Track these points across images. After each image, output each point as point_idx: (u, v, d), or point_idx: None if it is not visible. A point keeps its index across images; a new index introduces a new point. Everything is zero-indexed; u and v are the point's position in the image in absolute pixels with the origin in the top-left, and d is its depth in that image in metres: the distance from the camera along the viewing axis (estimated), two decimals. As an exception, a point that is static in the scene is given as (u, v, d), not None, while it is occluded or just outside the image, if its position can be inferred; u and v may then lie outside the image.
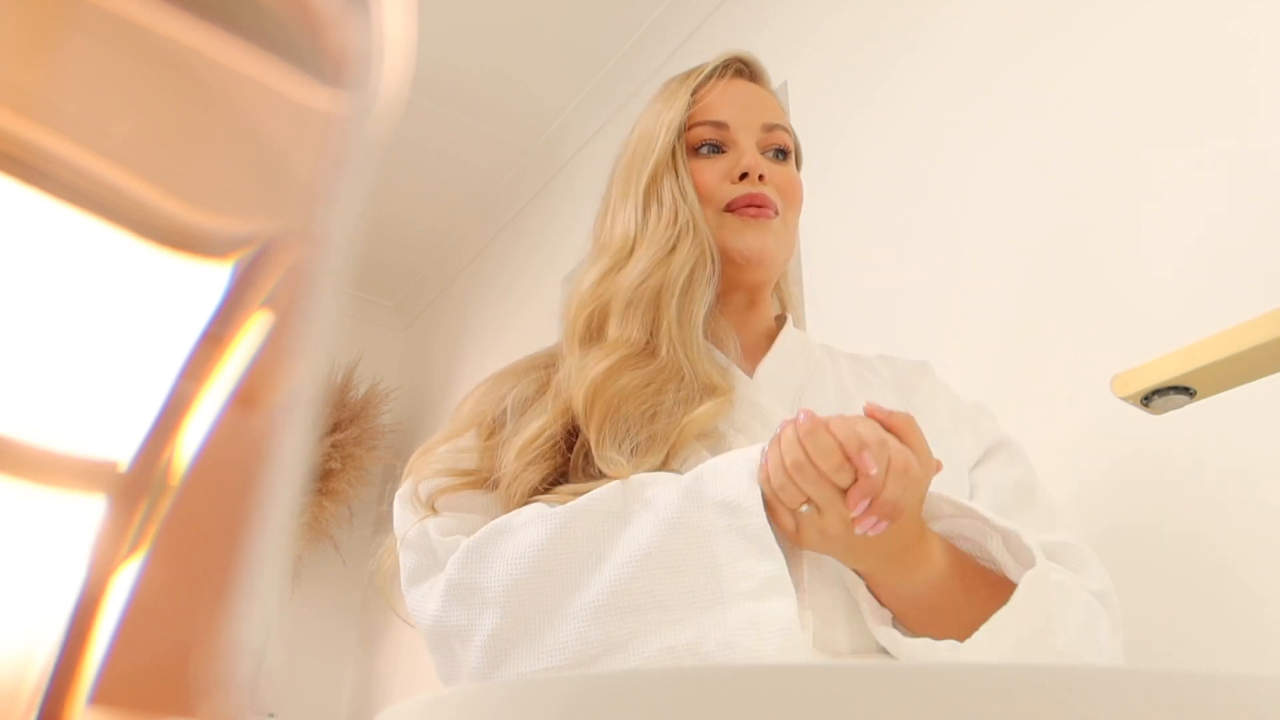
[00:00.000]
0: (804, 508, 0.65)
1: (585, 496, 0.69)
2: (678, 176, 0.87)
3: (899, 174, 1.54)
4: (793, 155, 0.94)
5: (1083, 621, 0.69)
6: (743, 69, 0.95)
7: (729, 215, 0.87)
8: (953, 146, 1.45)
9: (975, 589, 0.67)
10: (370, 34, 0.19)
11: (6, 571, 0.14)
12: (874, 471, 0.62)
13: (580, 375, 0.77)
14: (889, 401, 0.84)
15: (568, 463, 0.76)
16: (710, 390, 0.78)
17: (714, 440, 0.77)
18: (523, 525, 0.69)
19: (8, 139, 0.14)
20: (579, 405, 0.75)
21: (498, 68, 2.53)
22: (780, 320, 0.94)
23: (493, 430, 0.80)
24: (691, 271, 0.82)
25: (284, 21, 0.17)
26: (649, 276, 0.82)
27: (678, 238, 0.84)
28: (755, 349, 0.90)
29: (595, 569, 0.65)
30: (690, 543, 0.64)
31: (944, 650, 0.64)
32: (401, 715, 0.33)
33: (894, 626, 0.68)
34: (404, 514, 0.77)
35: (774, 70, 1.90)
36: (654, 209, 0.86)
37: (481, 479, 0.77)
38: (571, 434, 0.77)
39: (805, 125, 1.80)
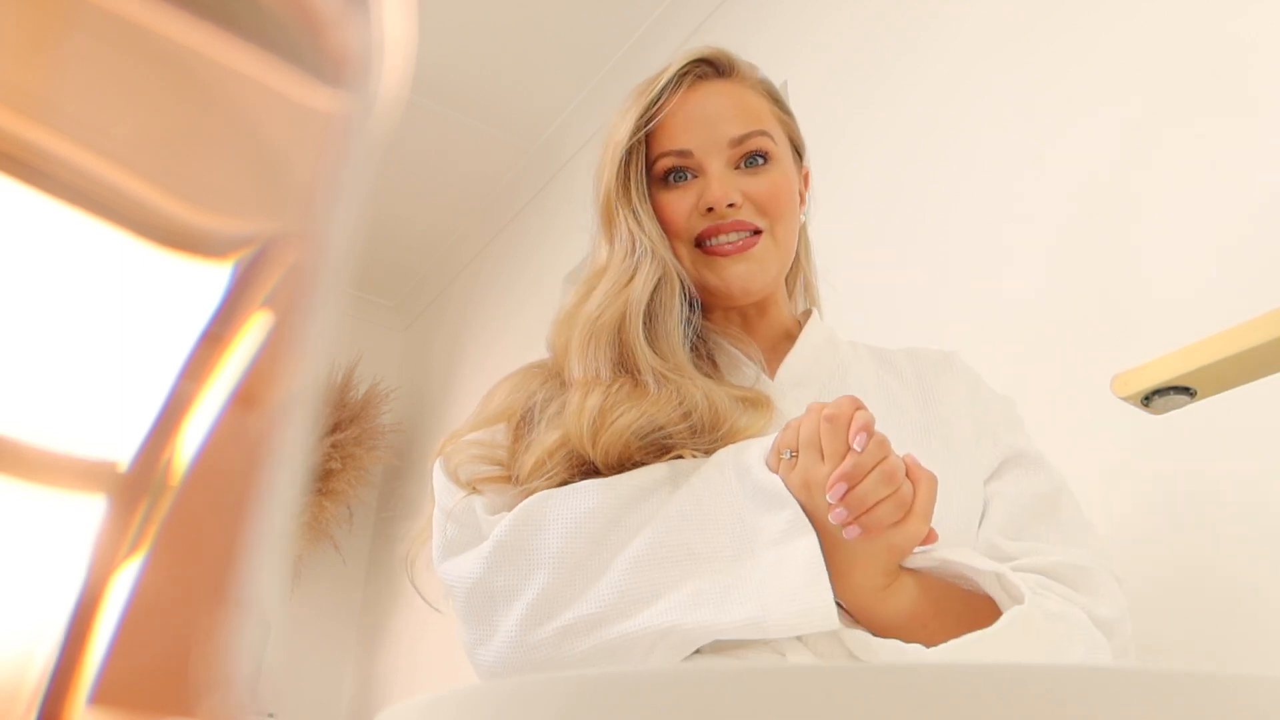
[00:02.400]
0: (786, 453, 0.68)
1: (631, 473, 0.72)
2: (630, 204, 0.84)
3: (899, 174, 1.54)
4: (777, 156, 0.87)
5: (1083, 655, 0.68)
6: (707, 70, 0.88)
7: (702, 255, 0.83)
8: (953, 146, 1.45)
9: (958, 624, 0.66)
10: (370, 34, 0.19)
11: (6, 571, 0.14)
12: (857, 446, 0.64)
13: (568, 416, 0.76)
14: (908, 413, 0.82)
15: (586, 472, 0.75)
16: (752, 403, 0.77)
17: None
18: (573, 493, 0.71)
19: (8, 139, 0.14)
20: (582, 446, 0.74)
21: (498, 68, 2.53)
22: (806, 315, 0.91)
23: (519, 428, 0.80)
24: (653, 296, 0.80)
25: (284, 21, 0.17)
26: (606, 309, 0.80)
27: (635, 268, 0.81)
28: (776, 351, 0.87)
29: (638, 531, 0.68)
30: (720, 507, 0.68)
31: (909, 654, 0.64)
32: (401, 715, 0.33)
33: (862, 629, 0.68)
34: (448, 487, 0.77)
35: (772, 71, 1.90)
36: (615, 240, 0.84)
37: (514, 476, 0.77)
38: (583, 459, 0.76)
39: (805, 125, 1.80)
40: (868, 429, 0.65)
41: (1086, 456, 1.09)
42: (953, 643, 0.63)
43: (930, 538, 0.67)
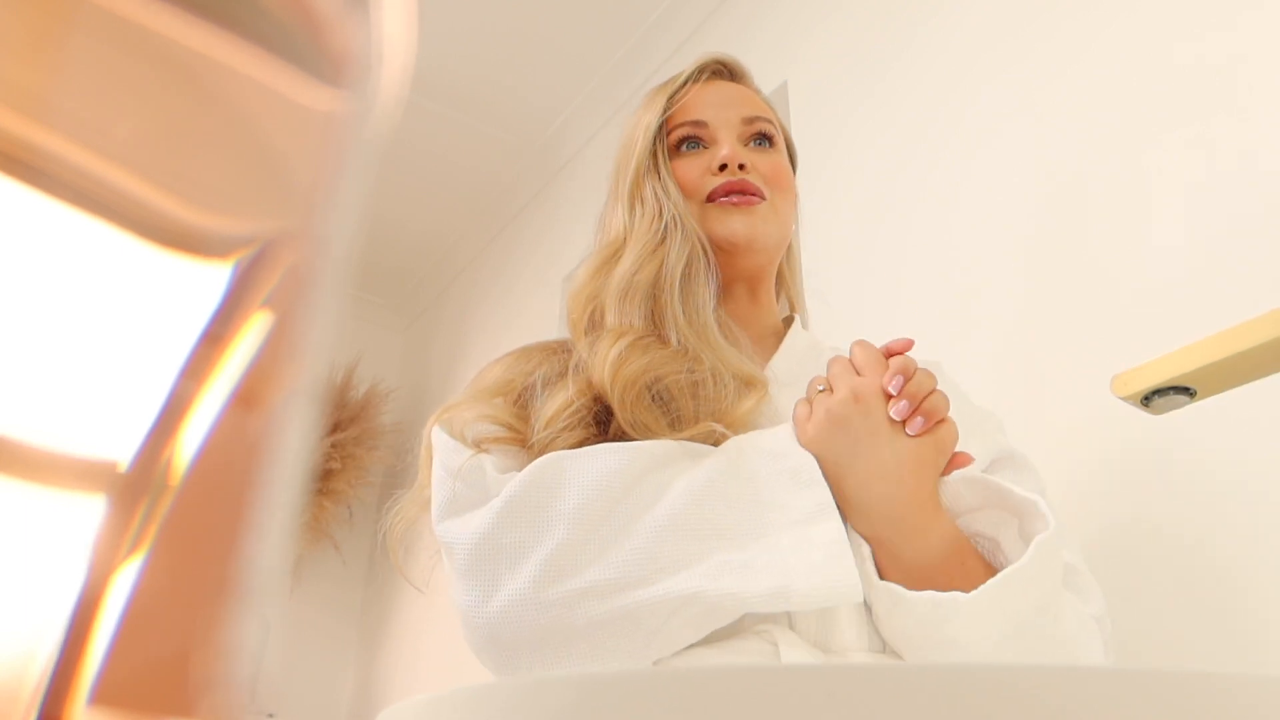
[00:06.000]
0: (819, 388, 0.72)
1: (649, 442, 0.72)
2: (659, 176, 0.89)
3: (896, 173, 1.54)
4: (778, 145, 0.94)
5: (1075, 626, 0.69)
6: (720, 70, 0.97)
7: (711, 205, 0.88)
8: (950, 145, 1.45)
9: (979, 577, 0.66)
10: (370, 34, 0.19)
11: (6, 571, 0.14)
12: (901, 346, 0.71)
13: (595, 358, 0.78)
14: None
15: (600, 433, 0.75)
16: (748, 382, 0.78)
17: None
18: (590, 454, 0.71)
19: (8, 139, 0.14)
20: (603, 386, 0.75)
21: (498, 68, 2.53)
22: (788, 321, 0.94)
23: (519, 402, 0.80)
24: (687, 264, 0.84)
25: (284, 21, 0.17)
26: (640, 268, 0.84)
27: (665, 230, 0.85)
28: (762, 346, 0.90)
29: (658, 499, 0.68)
30: (742, 485, 0.69)
31: (947, 603, 0.64)
32: (401, 715, 0.33)
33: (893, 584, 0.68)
34: (453, 447, 0.76)
35: (772, 71, 1.91)
36: (638, 209, 0.88)
37: (521, 438, 0.77)
38: (601, 410, 0.77)
39: (803, 125, 1.80)
40: (903, 339, 0.72)
41: (1086, 457, 1.09)
42: (991, 583, 0.64)
43: (963, 459, 0.72)
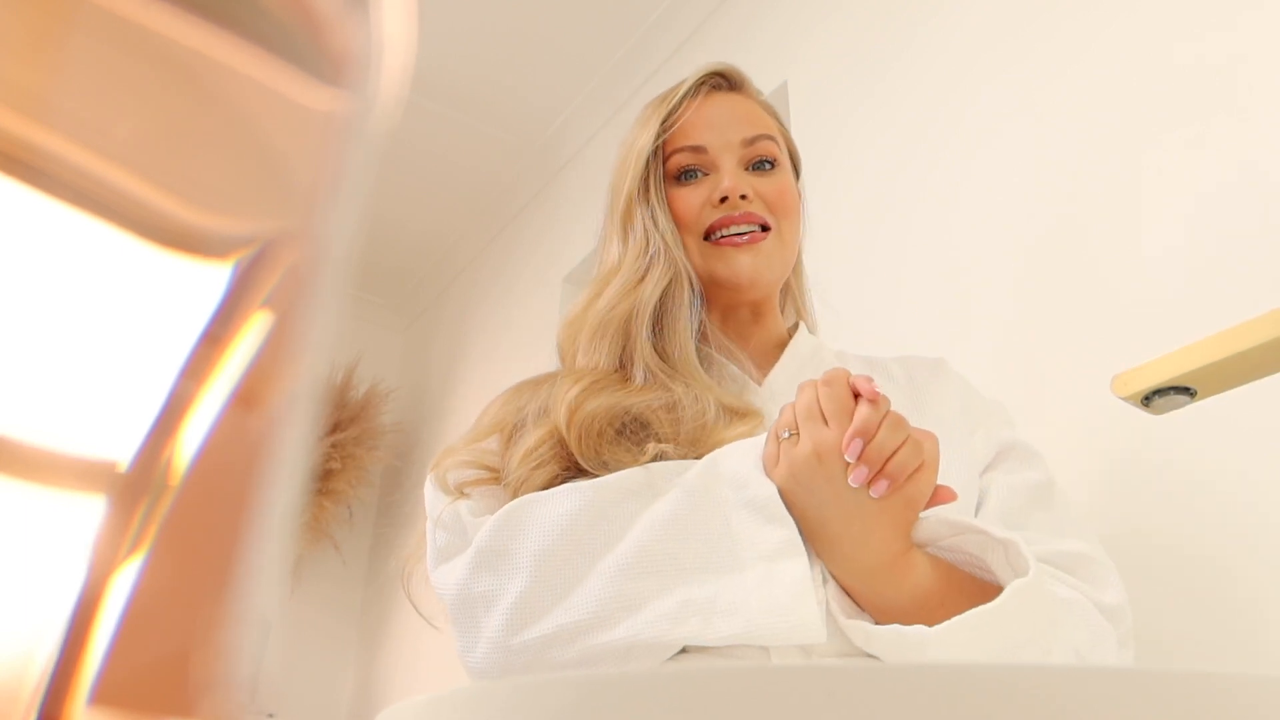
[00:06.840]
0: (784, 434, 0.67)
1: (612, 475, 0.71)
2: (649, 205, 0.87)
3: (896, 173, 1.54)
4: (783, 164, 0.92)
5: (1087, 640, 0.68)
6: (720, 82, 0.93)
7: (711, 246, 0.86)
8: (950, 145, 1.45)
9: (969, 606, 0.64)
10: (370, 34, 0.19)
11: (6, 571, 0.14)
12: (879, 397, 0.65)
13: (553, 401, 0.78)
14: (900, 408, 0.83)
15: (573, 467, 0.76)
16: (737, 413, 0.77)
17: None
18: (552, 497, 0.71)
19: (8, 139, 0.14)
20: (561, 429, 0.76)
21: (498, 68, 2.53)
22: (794, 330, 0.93)
23: (510, 439, 0.81)
24: (662, 297, 0.83)
25: (284, 21, 0.17)
26: (617, 305, 0.83)
27: (648, 266, 0.84)
28: (766, 359, 0.89)
29: (620, 537, 0.67)
30: (707, 515, 0.67)
31: (912, 636, 0.62)
32: (401, 715, 0.33)
33: (861, 617, 0.67)
34: (436, 496, 0.79)
35: (772, 70, 1.91)
36: (630, 239, 0.87)
37: (500, 477, 0.78)
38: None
39: (803, 125, 1.80)
40: (870, 381, 0.66)
41: (1086, 456, 1.09)
42: (955, 620, 0.61)
43: (945, 495, 0.67)
